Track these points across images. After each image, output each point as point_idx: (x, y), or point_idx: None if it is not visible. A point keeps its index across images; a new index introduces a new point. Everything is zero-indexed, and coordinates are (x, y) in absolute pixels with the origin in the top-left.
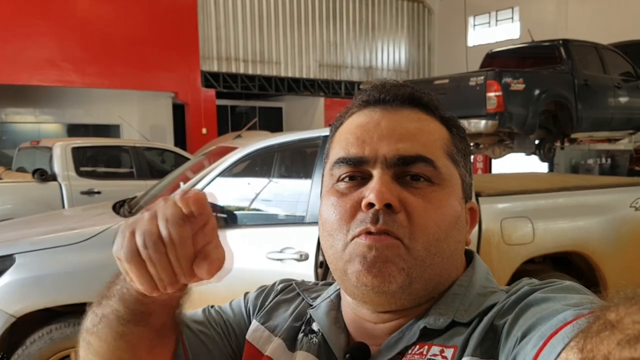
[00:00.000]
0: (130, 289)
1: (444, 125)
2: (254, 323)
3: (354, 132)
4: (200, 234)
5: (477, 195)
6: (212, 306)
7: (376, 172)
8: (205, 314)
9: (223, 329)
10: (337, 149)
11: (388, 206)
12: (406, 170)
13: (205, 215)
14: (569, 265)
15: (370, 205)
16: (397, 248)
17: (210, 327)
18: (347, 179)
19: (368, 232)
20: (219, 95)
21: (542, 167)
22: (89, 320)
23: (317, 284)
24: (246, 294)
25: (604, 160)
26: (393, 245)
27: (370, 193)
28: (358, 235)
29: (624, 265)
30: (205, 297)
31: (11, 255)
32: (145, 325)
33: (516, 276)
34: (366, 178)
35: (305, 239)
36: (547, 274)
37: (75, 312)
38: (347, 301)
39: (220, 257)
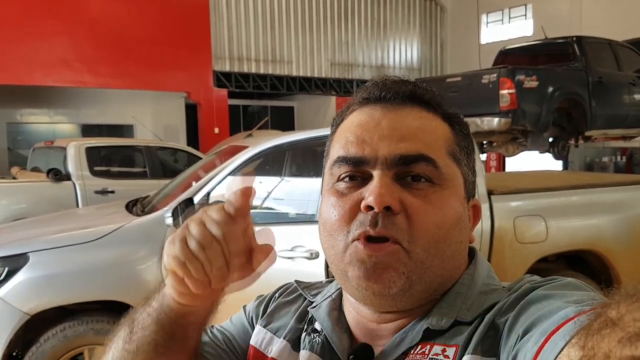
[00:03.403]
0: (170, 312)
1: (446, 123)
2: (257, 328)
3: (354, 131)
4: (244, 235)
5: (490, 193)
6: (212, 326)
7: (376, 173)
8: (208, 335)
9: (228, 344)
10: (337, 148)
11: (388, 208)
12: (407, 170)
13: (246, 215)
14: (583, 264)
15: (370, 207)
16: (396, 253)
17: (216, 346)
18: (347, 179)
19: (367, 237)
20: (231, 95)
21: (557, 165)
22: (116, 359)
23: (317, 282)
24: (244, 306)
25: (619, 158)
26: (392, 252)
27: (369, 195)
28: (358, 238)
29: (639, 263)
30: None
31: (25, 253)
32: (182, 351)
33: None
34: (366, 178)
35: (315, 237)
36: (561, 272)
37: (88, 310)
38: (349, 301)
39: (268, 247)
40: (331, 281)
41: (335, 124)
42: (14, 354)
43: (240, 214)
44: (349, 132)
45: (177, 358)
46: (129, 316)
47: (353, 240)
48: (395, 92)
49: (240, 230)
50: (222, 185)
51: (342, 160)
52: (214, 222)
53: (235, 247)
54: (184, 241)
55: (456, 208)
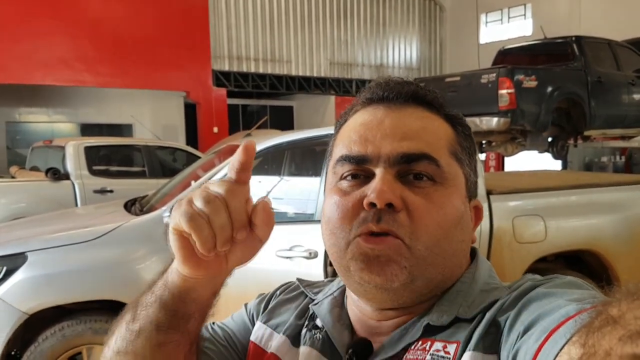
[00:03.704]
0: (173, 288)
1: (448, 123)
2: (257, 324)
3: (357, 130)
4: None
5: (489, 193)
6: (213, 323)
7: (378, 171)
8: (208, 331)
9: (229, 341)
10: (341, 147)
11: (390, 205)
12: (409, 168)
13: (248, 180)
14: (582, 264)
15: (372, 204)
16: (398, 248)
17: (216, 342)
18: (349, 177)
19: (370, 233)
20: (230, 94)
21: (556, 165)
22: (120, 340)
23: (319, 281)
24: (246, 304)
25: (618, 158)
26: (394, 246)
27: (371, 192)
28: (360, 235)
29: (638, 263)
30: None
31: (23, 253)
32: (184, 331)
33: None
34: (369, 177)
35: (314, 236)
36: (560, 272)
37: (87, 309)
38: (352, 298)
39: (265, 203)
40: (333, 280)
41: (339, 125)
42: (13, 353)
43: (244, 171)
44: (352, 131)
45: (179, 338)
46: (132, 302)
47: (355, 237)
48: (398, 92)
49: (242, 192)
50: None
51: (345, 158)
52: (216, 185)
53: (237, 204)
54: (189, 202)
55: (457, 207)
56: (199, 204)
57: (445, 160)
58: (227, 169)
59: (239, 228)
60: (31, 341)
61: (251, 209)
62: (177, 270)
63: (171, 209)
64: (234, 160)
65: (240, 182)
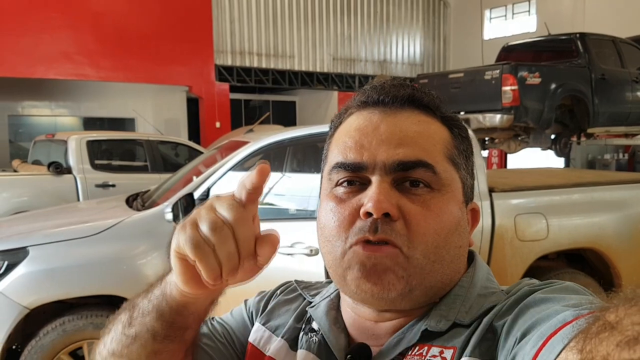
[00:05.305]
0: (172, 301)
1: (445, 126)
2: (256, 325)
3: (352, 135)
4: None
5: (491, 190)
6: (213, 318)
7: (375, 179)
8: (208, 327)
9: (227, 338)
10: (336, 153)
11: (386, 215)
12: (405, 175)
13: (257, 199)
14: (584, 262)
15: (369, 214)
16: (396, 257)
17: (215, 339)
18: (345, 184)
19: (367, 241)
20: (233, 89)
21: (559, 162)
22: (115, 342)
23: (317, 283)
24: (246, 300)
25: (621, 156)
26: (392, 255)
27: (368, 202)
28: (356, 244)
29: (639, 262)
30: None
31: (25, 247)
32: (180, 341)
33: (529, 273)
34: (365, 183)
35: (315, 233)
36: (561, 270)
37: (87, 304)
38: (346, 301)
39: (274, 237)
40: (330, 282)
41: (334, 127)
42: (14, 347)
43: (255, 193)
44: (347, 136)
45: (175, 347)
46: (130, 301)
47: (351, 246)
48: (394, 96)
49: (250, 216)
50: (222, 180)
51: (341, 165)
52: (224, 207)
53: (246, 232)
54: (194, 225)
55: (455, 213)
56: (205, 229)
57: (442, 166)
58: (227, 165)
59: (245, 257)
60: (32, 336)
61: (258, 236)
62: (177, 286)
63: (174, 207)
64: (247, 180)
65: (249, 202)
